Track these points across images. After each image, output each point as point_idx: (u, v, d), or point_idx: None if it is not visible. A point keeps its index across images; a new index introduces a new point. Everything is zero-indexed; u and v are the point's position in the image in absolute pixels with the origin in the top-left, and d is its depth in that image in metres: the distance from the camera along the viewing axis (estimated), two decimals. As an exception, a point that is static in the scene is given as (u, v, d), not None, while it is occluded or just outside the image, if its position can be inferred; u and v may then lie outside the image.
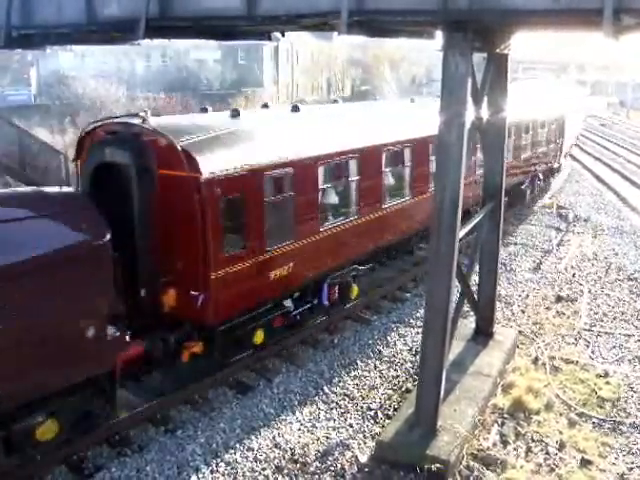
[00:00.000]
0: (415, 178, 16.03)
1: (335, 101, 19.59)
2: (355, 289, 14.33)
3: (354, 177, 13.68)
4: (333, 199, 13.22)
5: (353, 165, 13.60)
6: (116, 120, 11.50)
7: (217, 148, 10.59)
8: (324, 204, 12.90)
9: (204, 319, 10.43)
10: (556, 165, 30.34)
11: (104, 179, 10.42)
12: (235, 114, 12.61)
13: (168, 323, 10.52)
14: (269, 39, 12.06)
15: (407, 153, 15.73)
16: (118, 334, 9.04)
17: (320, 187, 12.57)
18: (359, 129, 14.44)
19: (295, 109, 14.22)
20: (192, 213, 9.95)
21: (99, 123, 11.43)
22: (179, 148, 9.94)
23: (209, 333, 10.72)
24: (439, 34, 8.82)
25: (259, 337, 11.63)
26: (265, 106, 16.15)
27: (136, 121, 10.72)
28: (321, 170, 12.54)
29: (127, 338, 9.32)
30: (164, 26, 10.17)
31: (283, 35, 12.24)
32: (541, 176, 27.40)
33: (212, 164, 10.10)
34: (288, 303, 12.34)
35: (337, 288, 13.65)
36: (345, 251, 13.59)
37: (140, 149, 10.24)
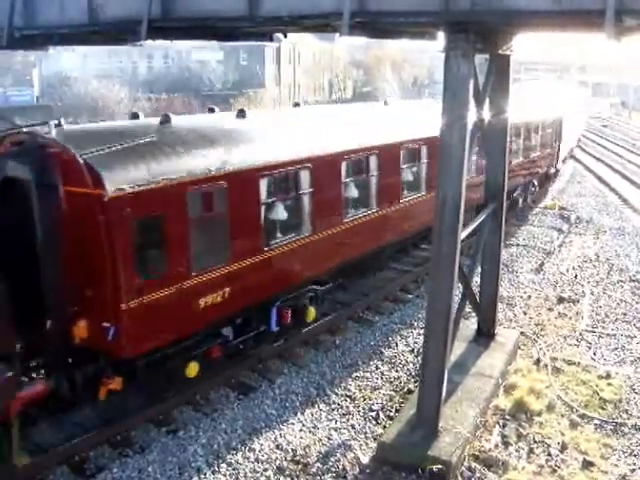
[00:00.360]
0: (383, 188, 14.69)
1: (297, 104, 17.68)
2: (312, 311, 12.95)
3: (306, 189, 12.28)
4: (281, 214, 11.84)
5: (305, 176, 12.24)
6: (25, 129, 10.11)
7: (132, 160, 9.32)
8: (269, 220, 11.60)
9: (117, 353, 9.27)
10: (552, 171, 29.29)
11: (8, 196, 9.23)
12: (165, 120, 11.11)
13: (84, 357, 9.41)
14: (271, 40, 12.09)
15: (373, 161, 14.40)
16: (9, 376, 8.03)
17: (263, 202, 11.29)
18: (314, 136, 13.02)
19: (241, 114, 12.79)
20: (98, 235, 8.86)
21: (8, 132, 10.07)
22: (81, 161, 8.79)
23: (129, 367, 9.59)
24: (441, 35, 8.83)
25: (192, 370, 10.44)
26: (211, 110, 14.26)
27: (46, 129, 9.55)
28: (264, 183, 11.29)
29: (27, 378, 8.63)
30: (166, 27, 10.17)
31: (285, 36, 12.22)
32: (536, 182, 26.19)
33: (121, 179, 8.92)
34: (227, 331, 11.16)
35: (290, 311, 12.35)
36: (298, 271, 12.32)
37: (41, 163, 8.98)
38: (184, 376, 10.42)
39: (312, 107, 19.93)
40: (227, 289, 10.58)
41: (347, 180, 13.59)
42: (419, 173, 16.41)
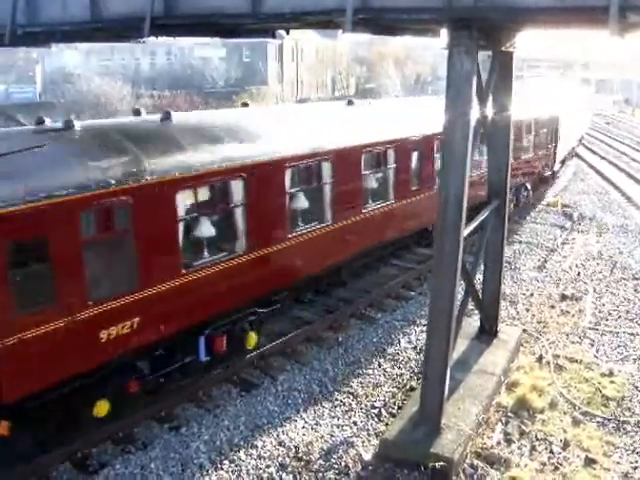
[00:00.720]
0: (339, 198, 13.18)
1: (245, 104, 15.19)
2: (253, 337, 11.68)
3: (239, 202, 10.85)
4: (205, 231, 10.51)
5: (237, 187, 10.80)
6: None
7: (5, 173, 8.00)
8: (190, 239, 10.29)
9: None
10: (548, 173, 27.59)
11: None
12: (68, 125, 9.48)
13: None
14: (274, 37, 12.07)
15: (326, 168, 12.92)
16: None
17: (180, 218, 9.85)
18: (251, 140, 11.39)
19: (166, 116, 10.95)
20: None
21: None
22: None
23: (18, 410, 8.32)
24: (444, 32, 8.81)
25: (102, 408, 9.25)
26: (137, 113, 12.19)
27: None
28: (181, 197, 9.82)
29: None
30: (169, 24, 10.16)
31: (288, 33, 12.19)
32: (529, 186, 24.37)
33: None
34: (144, 364, 10.00)
35: (225, 338, 11.02)
36: (231, 294, 10.87)
37: None
38: (91, 415, 9.22)
39: (253, 109, 16.42)
40: (136, 319, 9.24)
41: (292, 190, 12.09)
42: (385, 179, 15.32)
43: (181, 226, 9.92)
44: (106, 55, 74.85)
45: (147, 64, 78.72)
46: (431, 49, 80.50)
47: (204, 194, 10.70)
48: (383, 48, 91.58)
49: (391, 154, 15.17)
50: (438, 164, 16.28)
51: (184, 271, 9.93)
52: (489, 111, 10.87)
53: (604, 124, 65.42)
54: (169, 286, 9.68)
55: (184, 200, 10.09)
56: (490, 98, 10.69)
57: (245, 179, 10.81)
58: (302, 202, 12.52)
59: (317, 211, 12.93)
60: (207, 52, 76.06)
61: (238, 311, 11.26)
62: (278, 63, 79.36)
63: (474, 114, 9.30)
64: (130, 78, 69.03)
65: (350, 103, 16.13)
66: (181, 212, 9.93)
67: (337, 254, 13.73)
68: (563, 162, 33.29)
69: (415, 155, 16.20)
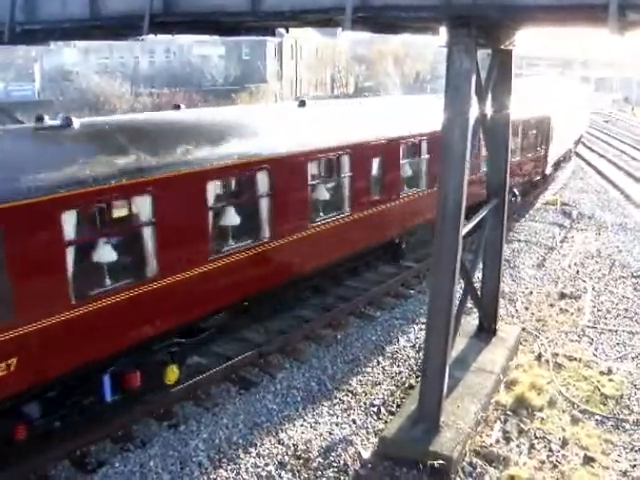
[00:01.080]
0: (279, 212, 11.61)
1: (177, 107, 13.54)
2: (174, 371, 10.36)
3: (146, 218, 9.47)
4: (106, 255, 9.15)
5: (144, 203, 9.41)
6: None
7: None
8: (84, 262, 8.87)
9: None
10: (538, 178, 26.38)
11: None
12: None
13: None
14: (273, 35, 12.06)
15: (261, 178, 11.27)
16: None
17: (68, 240, 8.44)
18: (156, 146, 9.97)
19: (65, 123, 9.49)
20: None
21: None
22: None
23: None
24: (443, 30, 8.81)
25: None
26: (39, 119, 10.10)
27: None
28: (69, 218, 8.44)
29: None
30: (168, 22, 10.16)
31: (287, 31, 12.19)
32: (517, 192, 22.95)
33: None
34: (32, 408, 8.69)
35: (139, 373, 9.70)
36: (143, 325, 9.56)
37: None
38: None
39: (189, 112, 14.46)
40: (14, 359, 7.94)
41: (219, 204, 10.86)
42: (339, 189, 13.81)
43: (70, 250, 8.52)
44: (105, 53, 74.81)
45: (146, 62, 78.64)
46: (431, 47, 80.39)
47: (102, 214, 9.42)
48: (383, 46, 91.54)
49: (346, 161, 13.47)
50: (405, 171, 15.89)
51: (74, 302, 8.54)
52: (488, 109, 10.86)
53: (603, 122, 65.47)
54: (58, 320, 8.31)
55: (70, 221, 8.54)
56: (489, 96, 10.69)
57: (153, 193, 9.43)
58: (232, 216, 11.05)
59: (251, 229, 11.38)
60: (206, 50, 76.02)
61: (154, 342, 9.92)
62: (277, 61, 79.33)
63: (473, 112, 9.29)
64: (129, 76, 69.01)
65: (302, 104, 14.61)
66: (68, 234, 8.48)
67: (288, 270, 12.38)
68: (558, 165, 32.27)
69: (377, 162, 14.67)
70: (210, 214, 10.50)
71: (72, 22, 11.13)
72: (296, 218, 12.22)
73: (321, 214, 13.17)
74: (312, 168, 12.70)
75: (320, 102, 16.61)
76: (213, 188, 10.56)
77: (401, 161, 15.50)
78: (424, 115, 16.49)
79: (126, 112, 49.44)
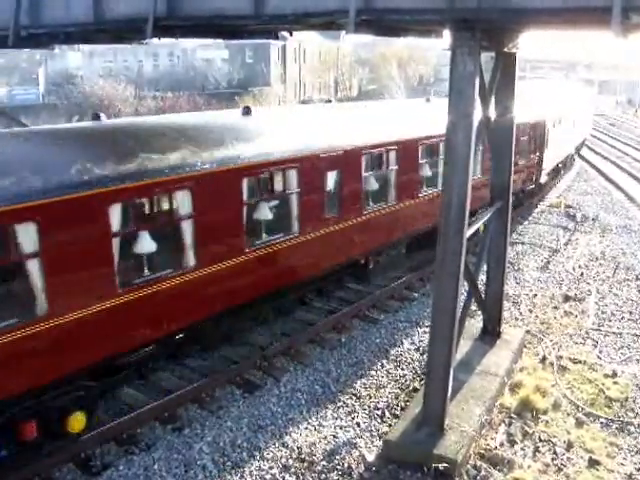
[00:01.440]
0: (208, 236, 10.40)
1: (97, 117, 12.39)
2: (79, 418, 9.05)
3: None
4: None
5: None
6: None
7: None
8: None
9: None
10: (531, 186, 24.86)
11: None
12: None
13: None
14: (276, 38, 12.05)
15: (186, 198, 10.04)
16: None
17: None
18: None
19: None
20: None
21: None
22: None
23: None
24: (447, 33, 8.81)
25: None
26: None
27: None
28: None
29: None
30: (172, 25, 10.17)
31: (291, 34, 12.20)
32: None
33: None
34: None
35: (35, 423, 8.51)
36: (29, 372, 8.24)
37: None
38: None
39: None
40: None
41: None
42: (287, 207, 12.36)
43: None
44: (109, 57, 75.15)
45: (150, 66, 78.93)
46: (435, 50, 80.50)
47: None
48: (386, 49, 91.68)
49: (293, 175, 12.04)
50: (369, 185, 14.34)
51: None
52: (492, 112, 10.86)
53: (607, 125, 65.38)
54: None
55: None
56: (493, 99, 10.69)
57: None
58: (147, 245, 9.81)
59: (172, 255, 10.21)
60: (210, 53, 76.29)
61: (54, 388, 8.70)
62: (281, 64, 79.49)
63: (477, 115, 9.29)
64: (133, 80, 69.25)
65: (247, 112, 13.25)
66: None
67: (247, 291, 11.43)
68: (558, 172, 31.18)
69: (333, 175, 13.12)
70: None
71: (76, 26, 11.14)
72: (228, 241, 10.96)
73: (264, 236, 11.81)
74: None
75: (270, 110, 15.52)
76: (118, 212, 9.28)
77: (363, 174, 13.96)
78: (396, 121, 15.57)
79: (130, 115, 49.55)
